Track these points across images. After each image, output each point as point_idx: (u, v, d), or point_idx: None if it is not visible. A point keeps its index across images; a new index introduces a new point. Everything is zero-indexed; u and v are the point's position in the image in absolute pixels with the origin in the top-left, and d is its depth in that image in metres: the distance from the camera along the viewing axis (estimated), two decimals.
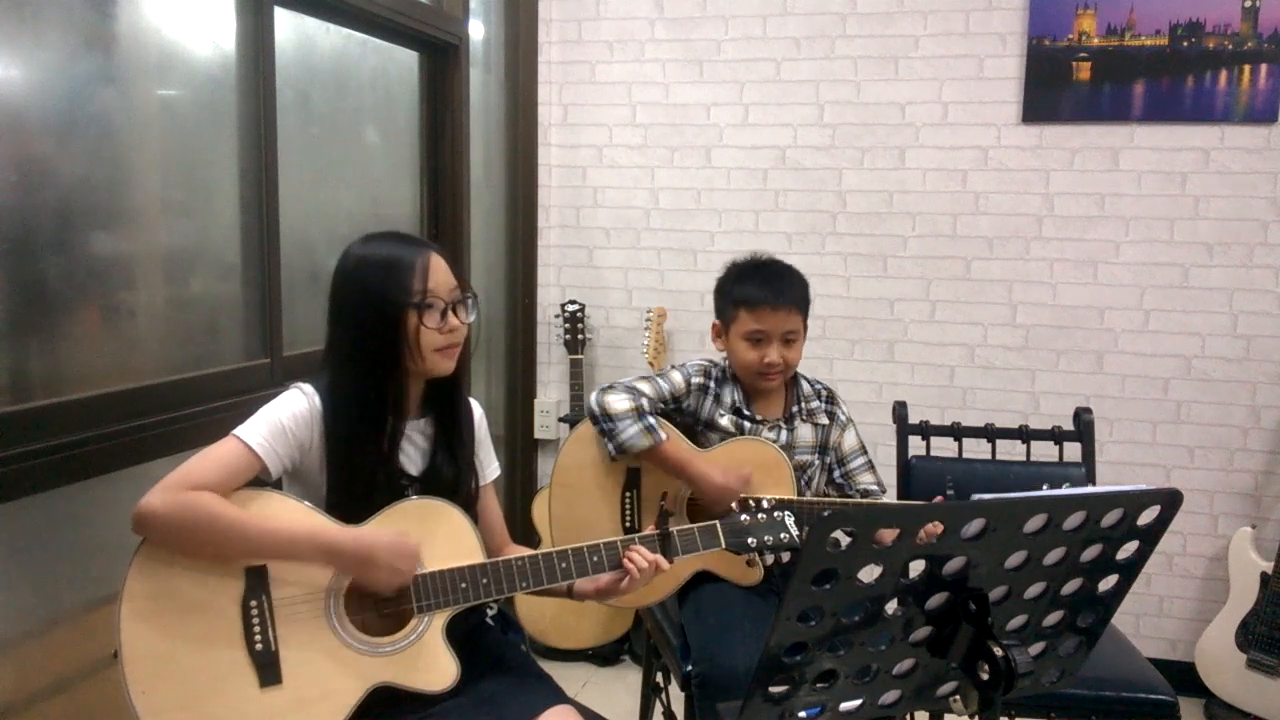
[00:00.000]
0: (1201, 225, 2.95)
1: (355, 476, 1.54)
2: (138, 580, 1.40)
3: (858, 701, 1.18)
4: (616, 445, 2.02)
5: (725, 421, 2.10)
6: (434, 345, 1.55)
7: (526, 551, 1.62)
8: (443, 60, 2.96)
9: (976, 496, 1.08)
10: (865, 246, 3.17)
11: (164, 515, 1.37)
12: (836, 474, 2.18)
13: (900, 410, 2.50)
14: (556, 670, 1.84)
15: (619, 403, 2.03)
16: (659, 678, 2.28)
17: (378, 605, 1.54)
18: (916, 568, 1.10)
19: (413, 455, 1.63)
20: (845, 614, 1.09)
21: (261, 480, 1.51)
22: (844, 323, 3.21)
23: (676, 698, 2.04)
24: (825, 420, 2.17)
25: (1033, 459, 2.48)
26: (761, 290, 2.06)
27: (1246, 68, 2.86)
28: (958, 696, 1.19)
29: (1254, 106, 2.86)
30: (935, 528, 1.07)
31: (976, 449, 2.51)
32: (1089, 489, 1.43)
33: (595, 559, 1.60)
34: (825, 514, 1.01)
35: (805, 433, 2.15)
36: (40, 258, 1.70)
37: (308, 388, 1.56)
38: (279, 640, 1.44)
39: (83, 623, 1.80)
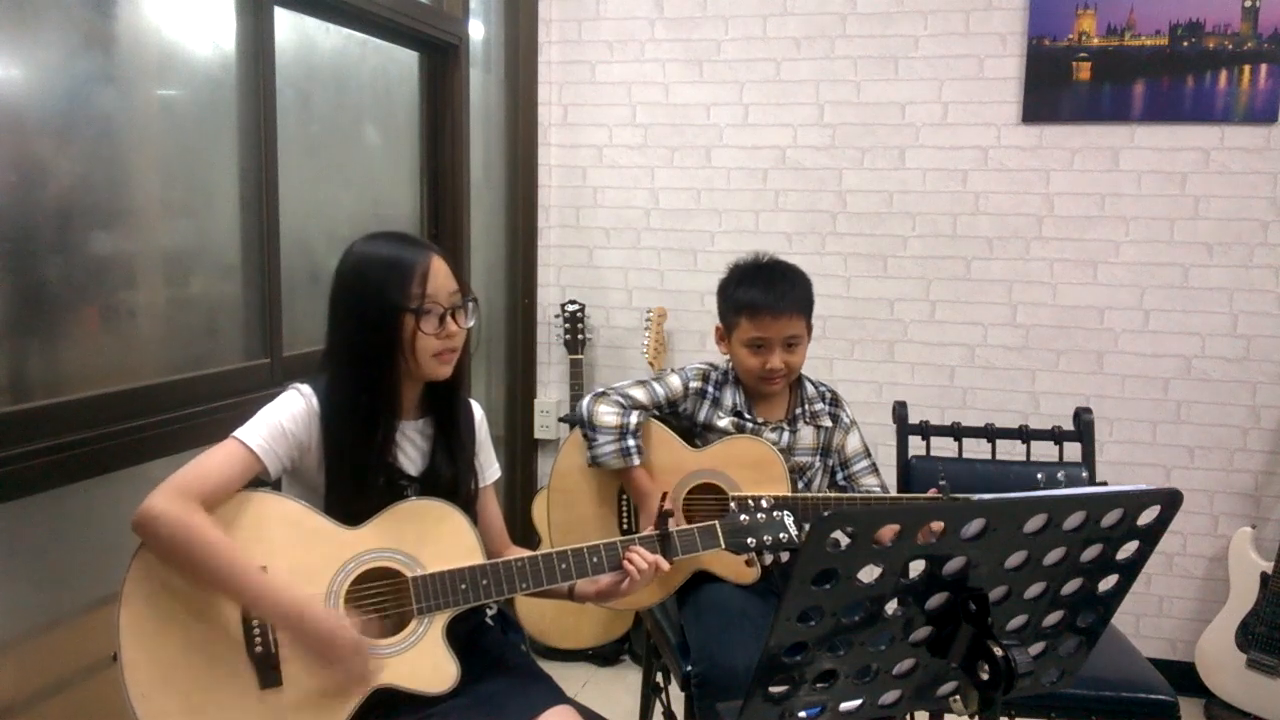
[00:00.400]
0: (1201, 225, 2.95)
1: (353, 477, 1.54)
2: (138, 582, 1.40)
3: (858, 701, 1.18)
4: (592, 456, 2.03)
5: (725, 424, 2.10)
6: (431, 351, 1.55)
7: (526, 553, 1.62)
8: (443, 60, 2.96)
9: (977, 496, 1.08)
10: (865, 246, 3.17)
11: (160, 522, 1.37)
12: (839, 476, 2.18)
13: (900, 410, 2.50)
14: (556, 670, 1.84)
15: (607, 415, 2.03)
16: (659, 678, 2.28)
17: (378, 607, 1.54)
18: (916, 568, 1.10)
19: (412, 456, 1.62)
20: (845, 614, 1.09)
21: (261, 480, 1.51)
22: (844, 323, 3.21)
23: (676, 698, 2.04)
24: (828, 422, 2.17)
25: (1033, 459, 2.48)
26: (763, 296, 2.05)
27: (1246, 68, 2.86)
28: (958, 696, 1.19)
29: (1254, 106, 2.86)
30: (936, 525, 1.07)
31: (976, 449, 2.51)
32: (1088, 489, 1.43)
33: (595, 560, 1.60)
34: (825, 514, 1.01)
35: (807, 435, 2.14)
36: (40, 258, 1.70)
37: (305, 389, 1.56)
38: (279, 643, 1.44)
39: (83, 623, 1.80)
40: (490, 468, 1.78)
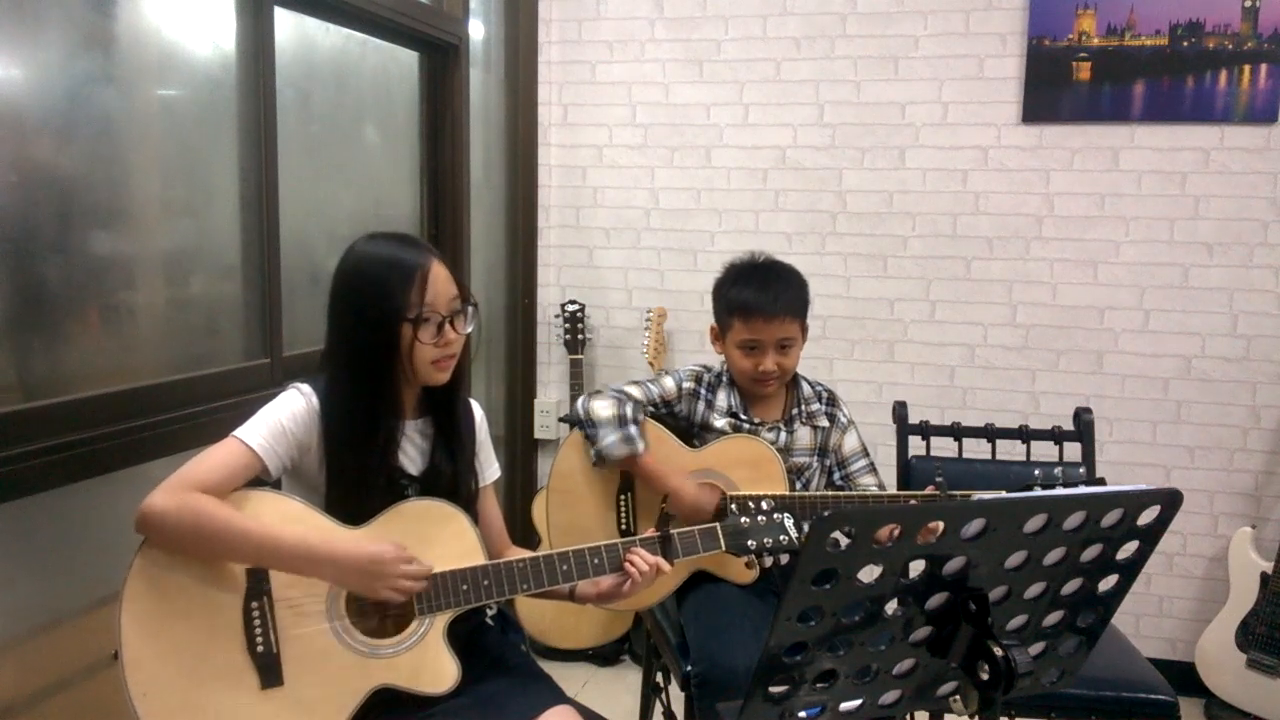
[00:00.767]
0: (1201, 225, 2.95)
1: (354, 476, 1.54)
2: (138, 581, 1.40)
3: (858, 701, 1.18)
4: (596, 452, 2.03)
5: (721, 424, 2.10)
6: (428, 359, 1.55)
7: (527, 553, 1.62)
8: (443, 60, 2.96)
9: (976, 495, 1.08)
10: (865, 246, 3.17)
11: (168, 516, 1.37)
12: (837, 476, 2.18)
13: (900, 410, 2.50)
14: (556, 670, 1.84)
15: (603, 409, 2.04)
16: (659, 678, 2.28)
17: (379, 607, 1.54)
18: (916, 568, 1.10)
19: (412, 455, 1.62)
20: (845, 614, 1.09)
21: (261, 480, 1.51)
22: (844, 323, 3.21)
23: (676, 698, 2.04)
24: (825, 423, 2.17)
25: (1033, 459, 2.48)
26: (756, 298, 2.05)
27: (1246, 68, 2.86)
28: (958, 696, 1.19)
29: (1254, 106, 2.86)
30: (936, 525, 1.07)
31: (976, 449, 2.51)
32: (1088, 489, 1.43)
33: (596, 561, 1.60)
34: (825, 513, 1.01)
35: (804, 435, 2.14)
36: (40, 258, 1.70)
37: (305, 388, 1.56)
38: (280, 642, 1.44)
39: (83, 623, 1.80)
40: (490, 468, 1.78)
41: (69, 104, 1.75)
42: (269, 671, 1.43)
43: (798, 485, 2.11)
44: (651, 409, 2.11)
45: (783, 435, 2.12)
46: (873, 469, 2.19)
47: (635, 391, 2.09)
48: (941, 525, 1.06)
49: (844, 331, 3.21)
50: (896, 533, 1.05)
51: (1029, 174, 3.04)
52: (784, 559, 2.09)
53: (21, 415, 1.63)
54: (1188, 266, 2.97)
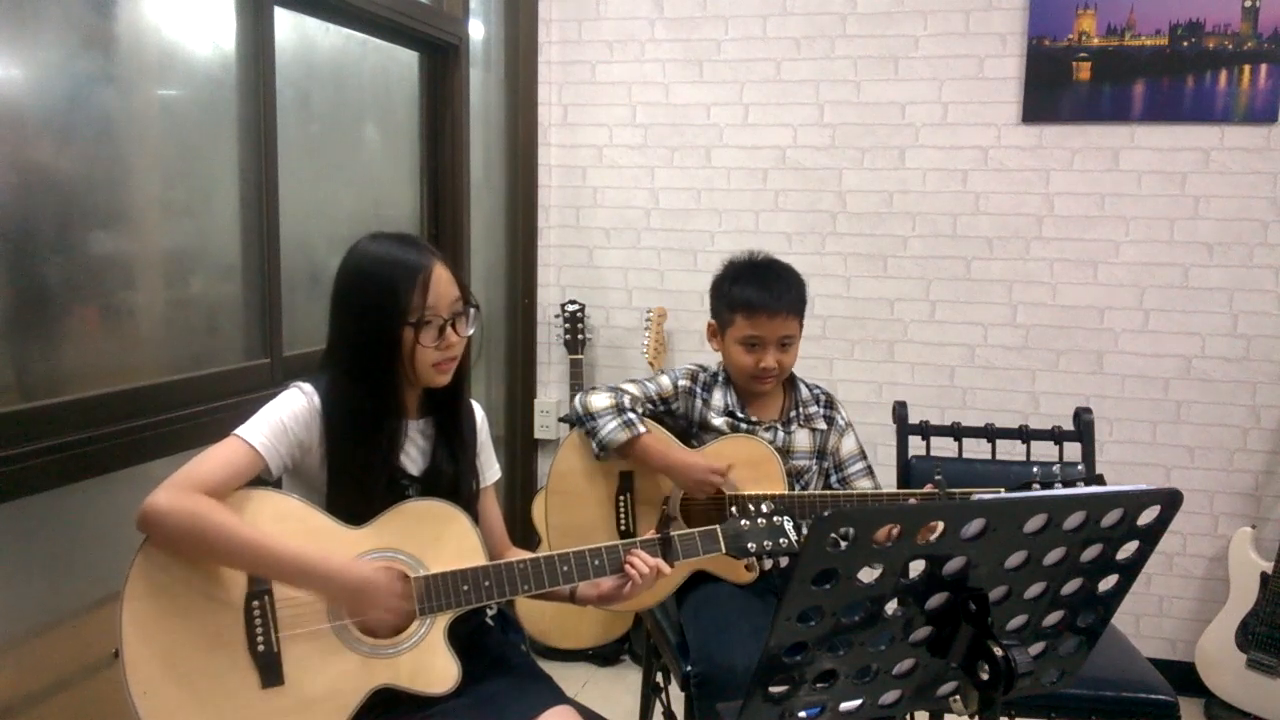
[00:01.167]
0: (1201, 225, 2.95)
1: (355, 475, 1.54)
2: (139, 580, 1.40)
3: (858, 701, 1.18)
4: (598, 442, 2.03)
5: (719, 423, 2.10)
6: (429, 361, 1.55)
7: (528, 554, 1.62)
8: (443, 60, 2.96)
9: (977, 495, 1.08)
10: (865, 246, 3.17)
11: (169, 517, 1.37)
12: (834, 479, 2.18)
13: (900, 410, 2.50)
14: (556, 670, 1.84)
15: (599, 401, 2.05)
16: (659, 678, 2.28)
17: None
18: (916, 568, 1.10)
19: (414, 455, 1.62)
20: (845, 614, 1.09)
21: (262, 479, 1.51)
22: (844, 323, 3.21)
23: (676, 698, 2.04)
24: (823, 425, 2.16)
25: (1033, 459, 2.48)
26: (760, 295, 2.05)
27: (1246, 68, 2.86)
28: (958, 696, 1.19)
29: (1254, 106, 2.86)
30: (936, 525, 1.07)
31: (976, 449, 2.51)
32: (1088, 489, 1.43)
33: (596, 562, 1.60)
34: (825, 513, 1.01)
35: (802, 438, 2.14)
36: (40, 258, 1.70)
37: (307, 386, 1.56)
38: (281, 641, 1.44)
39: (83, 622, 1.80)
40: (491, 469, 1.78)
41: (69, 104, 1.75)
42: (269, 671, 1.43)
43: (797, 489, 2.11)
44: (650, 406, 2.11)
45: (780, 435, 2.12)
46: (870, 472, 2.19)
47: (632, 388, 2.10)
48: (941, 525, 1.07)
49: (844, 331, 3.21)
50: (896, 532, 1.05)
51: (1029, 174, 3.04)
52: (783, 562, 2.09)
53: (21, 415, 1.63)
54: (1188, 266, 2.98)
